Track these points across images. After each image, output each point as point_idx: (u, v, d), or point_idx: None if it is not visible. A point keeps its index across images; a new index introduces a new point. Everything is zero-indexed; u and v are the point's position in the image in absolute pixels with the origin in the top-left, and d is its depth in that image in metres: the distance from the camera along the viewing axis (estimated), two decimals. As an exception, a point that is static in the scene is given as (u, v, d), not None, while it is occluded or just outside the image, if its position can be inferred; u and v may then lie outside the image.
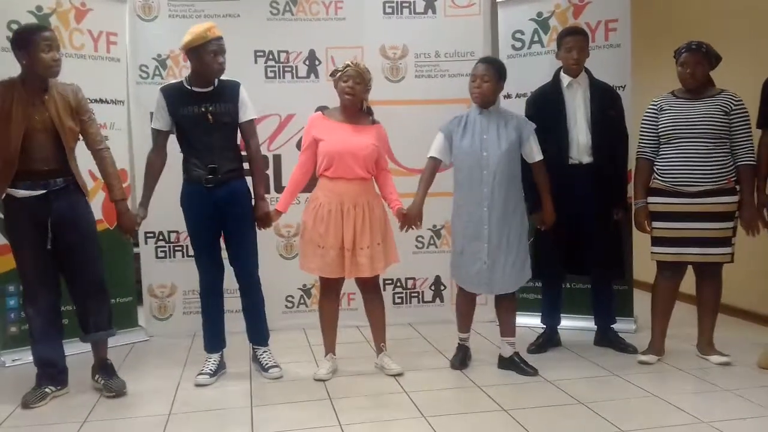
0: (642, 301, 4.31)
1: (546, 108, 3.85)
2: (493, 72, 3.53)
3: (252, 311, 3.70)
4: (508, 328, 3.66)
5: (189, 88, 3.46)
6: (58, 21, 4.12)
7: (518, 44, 4.60)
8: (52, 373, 3.37)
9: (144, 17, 4.48)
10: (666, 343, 3.76)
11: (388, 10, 4.66)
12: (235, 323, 3.89)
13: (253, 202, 3.61)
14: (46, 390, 3.32)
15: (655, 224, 3.66)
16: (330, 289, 3.63)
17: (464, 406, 3.20)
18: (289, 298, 4.64)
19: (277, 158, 4.58)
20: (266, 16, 4.58)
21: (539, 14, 4.54)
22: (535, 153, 3.59)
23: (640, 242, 4.18)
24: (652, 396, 3.21)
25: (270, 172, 4.53)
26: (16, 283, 3.94)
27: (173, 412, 3.17)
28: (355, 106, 3.55)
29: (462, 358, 3.74)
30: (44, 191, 3.22)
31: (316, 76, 4.58)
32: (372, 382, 3.54)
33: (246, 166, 3.64)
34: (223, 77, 3.50)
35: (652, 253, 3.70)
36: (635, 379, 3.42)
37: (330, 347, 3.70)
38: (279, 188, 4.46)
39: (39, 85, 3.21)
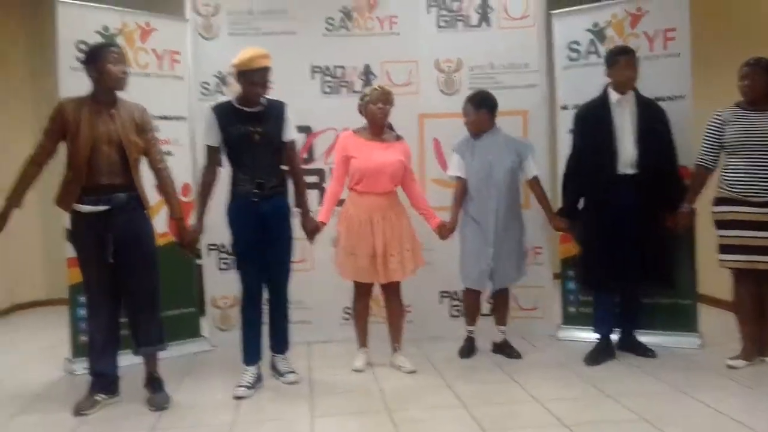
0: (709, 316, 4.21)
1: (594, 122, 3.96)
2: (471, 108, 4.06)
3: (278, 322, 3.81)
4: (501, 318, 4.20)
5: (238, 107, 3.58)
6: (124, 41, 4.26)
7: (574, 55, 4.57)
8: (104, 383, 3.49)
9: (205, 36, 4.62)
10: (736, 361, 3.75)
11: (443, 24, 4.71)
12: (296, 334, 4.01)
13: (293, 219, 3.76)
14: (97, 398, 3.43)
15: (723, 233, 3.72)
16: (362, 292, 3.98)
17: (525, 420, 3.19)
18: (347, 310, 4.66)
19: (334, 171, 4.64)
20: (322, 32, 4.68)
21: (595, 24, 4.50)
22: (531, 170, 4.10)
23: (705, 255, 4.10)
24: (717, 413, 3.12)
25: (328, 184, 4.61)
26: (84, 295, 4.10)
27: (237, 421, 3.25)
28: (384, 125, 3.86)
29: (469, 348, 4.20)
30: (107, 207, 3.31)
31: (372, 91, 4.65)
32: (431, 395, 3.55)
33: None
34: (274, 96, 3.65)
35: (720, 260, 3.75)
36: (701, 396, 3.33)
37: (363, 342, 4.06)
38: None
39: (107, 99, 3.34)
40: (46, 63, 5.43)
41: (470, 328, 4.25)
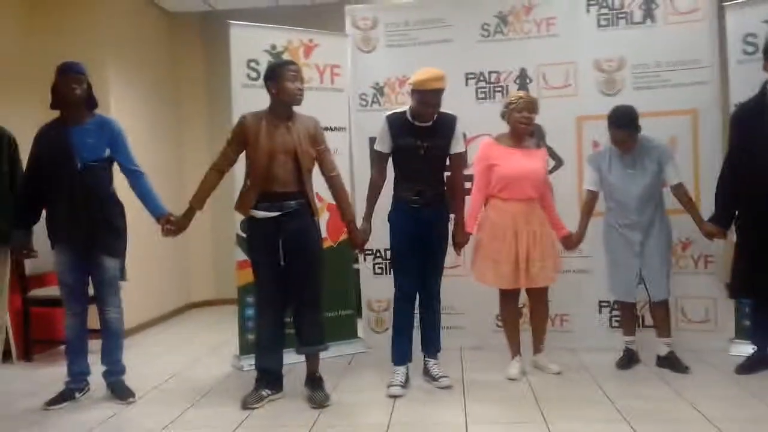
0: None
1: (749, 125, 3.70)
2: (628, 133, 3.83)
3: (430, 324, 3.90)
4: (663, 331, 4.01)
5: (410, 120, 3.70)
6: (290, 57, 4.47)
7: (750, 48, 4.22)
8: (270, 379, 3.68)
9: (364, 49, 4.79)
10: None
11: (603, 23, 4.54)
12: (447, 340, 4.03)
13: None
14: (263, 393, 3.63)
15: None
16: (508, 298, 3.98)
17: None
18: (500, 318, 4.62)
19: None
20: (477, 38, 4.69)
21: (775, 15, 4.15)
22: (672, 178, 3.90)
23: None
24: None
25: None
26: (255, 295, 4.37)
27: (392, 422, 3.31)
28: (526, 133, 3.87)
29: (628, 360, 4.05)
30: (279, 213, 3.52)
31: (528, 95, 4.58)
32: (590, 407, 3.42)
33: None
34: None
35: None
36: None
37: (516, 350, 4.01)
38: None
39: (285, 113, 3.56)
40: (219, 81, 5.86)
41: (628, 338, 4.12)
